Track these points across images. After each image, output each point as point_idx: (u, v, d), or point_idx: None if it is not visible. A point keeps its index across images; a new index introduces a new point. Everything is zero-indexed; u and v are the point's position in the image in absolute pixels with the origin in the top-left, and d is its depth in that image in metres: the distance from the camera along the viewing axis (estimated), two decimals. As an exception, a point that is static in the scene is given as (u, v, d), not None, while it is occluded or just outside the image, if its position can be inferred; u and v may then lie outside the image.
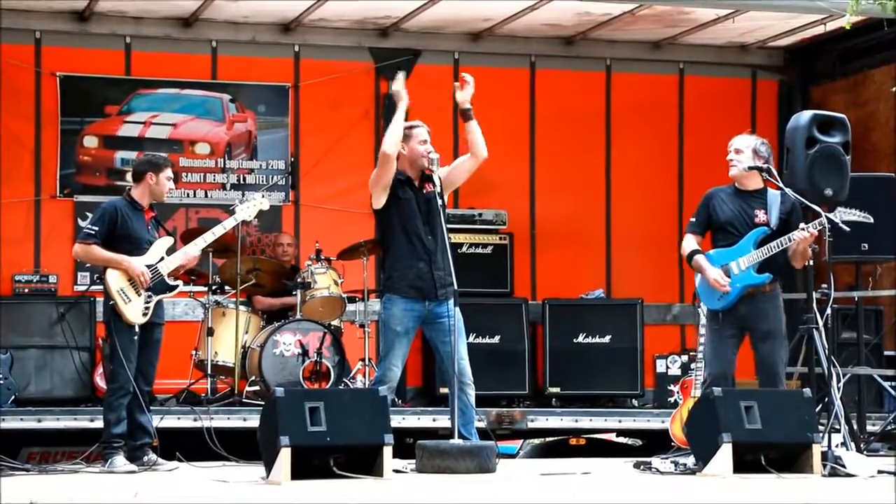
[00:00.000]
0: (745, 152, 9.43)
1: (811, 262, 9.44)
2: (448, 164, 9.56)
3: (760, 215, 9.36)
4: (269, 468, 8.38)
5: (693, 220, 9.59)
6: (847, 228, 9.43)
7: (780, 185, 9.66)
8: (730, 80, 14.49)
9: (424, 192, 9.20)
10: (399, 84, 9.38)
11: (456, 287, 9.14)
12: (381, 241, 9.65)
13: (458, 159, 9.50)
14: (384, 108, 13.65)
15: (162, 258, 9.51)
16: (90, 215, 9.89)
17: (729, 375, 9.42)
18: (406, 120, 9.36)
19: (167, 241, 9.62)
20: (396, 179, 9.26)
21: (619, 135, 14.21)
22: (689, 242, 9.52)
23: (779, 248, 9.27)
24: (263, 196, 10.27)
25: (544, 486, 8.52)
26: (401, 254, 9.26)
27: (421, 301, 9.23)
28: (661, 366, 12.72)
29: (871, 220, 9.49)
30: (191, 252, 9.67)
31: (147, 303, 9.39)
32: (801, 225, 9.28)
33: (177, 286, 9.58)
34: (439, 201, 9.22)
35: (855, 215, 9.41)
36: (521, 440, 13.73)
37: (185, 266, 9.72)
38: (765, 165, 9.52)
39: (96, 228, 9.45)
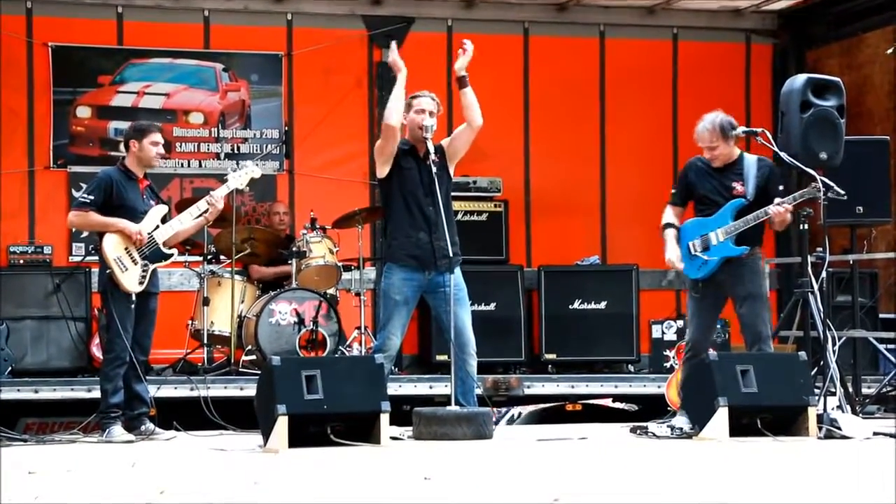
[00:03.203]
0: (719, 142, 9.37)
1: (806, 226, 9.45)
2: (447, 135, 9.55)
3: (738, 187, 9.38)
4: (266, 436, 8.40)
5: (674, 191, 9.65)
6: (843, 192, 9.45)
7: (775, 149, 9.68)
8: (724, 44, 14.47)
9: (427, 162, 9.17)
10: (394, 55, 9.36)
11: (459, 258, 9.15)
12: (383, 210, 9.65)
13: (456, 130, 9.48)
14: (378, 77, 13.65)
15: (157, 227, 9.51)
16: (84, 185, 9.87)
17: (709, 339, 9.52)
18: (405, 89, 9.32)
19: (162, 210, 9.61)
20: (400, 149, 9.25)
21: (614, 101, 14.19)
22: (667, 215, 9.58)
23: (755, 220, 9.31)
24: (256, 164, 10.25)
25: (541, 451, 8.54)
26: (401, 223, 9.25)
27: (420, 271, 9.21)
28: (656, 331, 12.72)
29: (844, 196, 9.45)
30: (185, 221, 9.65)
31: (143, 271, 9.39)
32: (777, 200, 9.31)
33: (172, 254, 9.58)
34: (435, 169, 9.16)
35: (832, 190, 9.41)
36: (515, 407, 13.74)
37: (180, 236, 9.72)
38: (759, 129, 9.58)
39: (91, 197, 9.44)
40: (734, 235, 9.31)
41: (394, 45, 9.45)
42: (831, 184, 9.39)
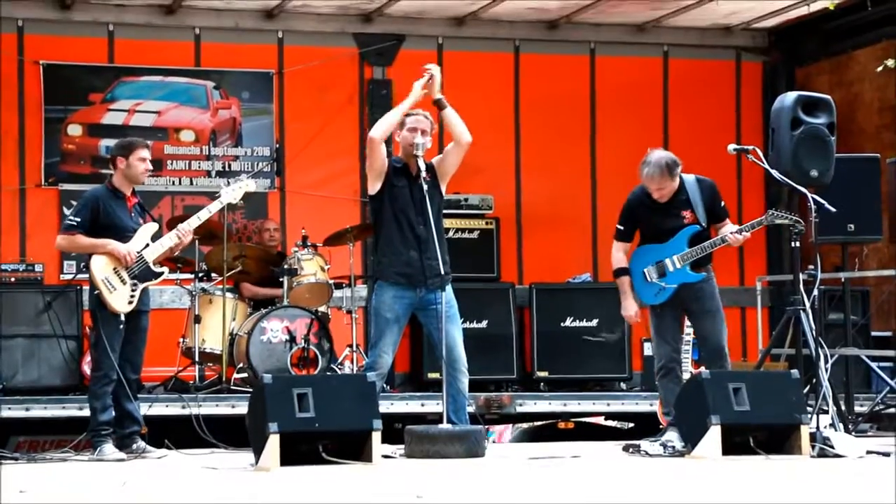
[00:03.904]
0: (667, 182, 9.37)
1: (798, 244, 9.48)
2: (439, 153, 9.55)
3: (688, 215, 9.44)
4: (257, 455, 8.38)
5: (620, 228, 9.66)
6: (833, 209, 9.48)
7: (766, 166, 9.71)
8: (714, 62, 14.49)
9: (419, 180, 9.16)
10: (419, 83, 9.25)
11: (450, 276, 9.13)
12: (374, 227, 9.64)
13: (445, 148, 9.49)
14: (369, 94, 13.66)
15: (147, 245, 9.46)
16: (75, 203, 9.84)
17: (679, 352, 9.55)
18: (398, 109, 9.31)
19: (152, 228, 9.55)
20: (392, 167, 9.25)
21: (604, 118, 14.21)
22: (618, 256, 9.62)
23: (713, 247, 9.43)
24: (248, 177, 10.21)
25: (533, 469, 8.53)
26: (391, 241, 9.24)
27: (411, 289, 9.20)
28: (648, 349, 12.70)
29: (802, 225, 9.47)
30: (174, 238, 9.59)
31: (132, 291, 9.35)
32: (736, 227, 9.41)
33: (162, 273, 9.52)
34: (426, 187, 9.15)
35: (785, 218, 9.45)
36: (510, 424, 13.74)
37: (172, 250, 9.65)
38: (750, 146, 9.65)
39: (78, 219, 9.39)
40: (690, 261, 9.37)
41: (436, 73, 9.30)
42: (822, 201, 9.42)
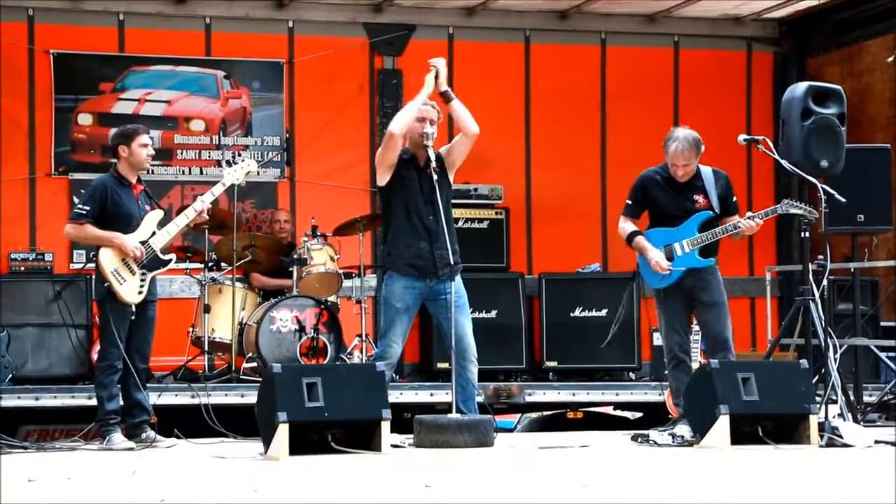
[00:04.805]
0: (695, 158, 9.40)
1: (807, 234, 9.47)
2: (445, 144, 9.55)
3: (700, 200, 9.44)
4: (267, 444, 8.40)
5: (629, 202, 9.68)
6: (843, 200, 9.48)
7: (777, 156, 9.71)
8: (725, 52, 14.47)
9: (428, 171, 9.16)
10: (431, 76, 9.26)
11: (460, 266, 9.13)
12: (383, 218, 9.64)
13: (453, 139, 9.49)
14: (379, 84, 13.65)
15: (153, 233, 9.45)
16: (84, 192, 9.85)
17: (688, 341, 9.54)
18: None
19: (157, 215, 9.52)
20: (400, 158, 9.25)
21: (615, 108, 14.19)
22: (627, 224, 9.63)
23: (724, 233, 9.42)
24: (252, 157, 10.17)
25: (542, 459, 8.53)
26: (401, 232, 9.25)
27: (421, 279, 9.21)
28: (657, 339, 12.71)
29: (815, 215, 9.48)
30: (181, 223, 9.59)
31: (142, 281, 9.35)
32: (749, 214, 9.41)
33: (170, 261, 9.51)
34: (435, 178, 9.15)
35: (799, 208, 9.45)
36: (519, 414, 13.75)
37: (189, 226, 9.61)
38: (760, 137, 9.63)
39: (87, 208, 9.39)
40: (699, 247, 9.37)
41: (442, 68, 9.32)
42: (832, 191, 9.42)
